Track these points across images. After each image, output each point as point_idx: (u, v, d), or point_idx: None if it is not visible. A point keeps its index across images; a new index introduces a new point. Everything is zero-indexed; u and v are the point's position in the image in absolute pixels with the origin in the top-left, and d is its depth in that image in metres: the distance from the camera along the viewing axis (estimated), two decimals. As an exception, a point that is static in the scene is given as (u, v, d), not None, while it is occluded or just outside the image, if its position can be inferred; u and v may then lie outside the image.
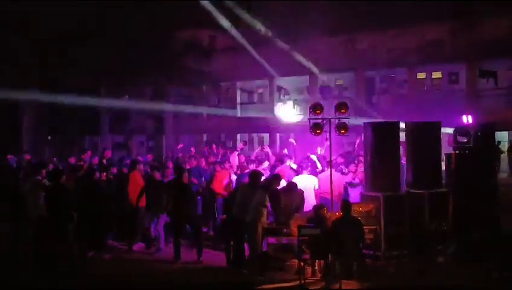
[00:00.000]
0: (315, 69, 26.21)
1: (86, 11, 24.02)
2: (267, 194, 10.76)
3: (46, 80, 25.33)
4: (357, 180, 12.80)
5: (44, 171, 12.16)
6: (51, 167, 13.76)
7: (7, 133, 26.42)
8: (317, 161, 14.25)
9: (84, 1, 23.62)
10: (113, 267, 11.37)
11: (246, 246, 10.87)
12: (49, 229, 10.98)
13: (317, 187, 12.60)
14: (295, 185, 11.80)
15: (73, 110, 27.01)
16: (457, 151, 11.86)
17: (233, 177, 13.56)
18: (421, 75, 28.95)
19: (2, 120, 26.26)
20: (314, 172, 13.40)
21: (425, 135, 11.75)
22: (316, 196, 12.51)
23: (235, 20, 24.55)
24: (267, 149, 16.98)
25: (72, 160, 16.43)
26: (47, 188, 11.36)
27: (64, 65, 24.79)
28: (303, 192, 11.78)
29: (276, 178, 11.66)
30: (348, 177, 12.99)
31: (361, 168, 12.81)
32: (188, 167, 14.50)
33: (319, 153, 15.21)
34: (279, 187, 11.46)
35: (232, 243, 11.17)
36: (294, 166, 13.82)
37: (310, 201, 12.00)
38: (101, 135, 31.51)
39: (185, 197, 11.77)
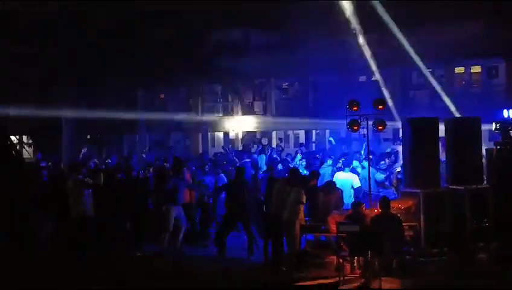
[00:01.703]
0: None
1: (120, 13, 24.26)
2: (303, 191, 10.73)
3: (83, 82, 25.70)
4: (387, 183, 12.74)
5: (84, 170, 12.39)
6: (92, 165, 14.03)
7: (47, 136, 26.92)
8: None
9: (119, 3, 23.83)
10: (148, 265, 11.46)
11: (284, 243, 10.88)
12: (89, 227, 11.22)
13: (355, 185, 12.50)
14: (334, 183, 11.76)
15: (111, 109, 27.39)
16: (498, 147, 11.65)
17: None
18: (460, 70, 28.40)
19: (43, 126, 26.72)
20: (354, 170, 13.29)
21: (465, 131, 11.57)
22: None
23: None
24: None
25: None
26: (90, 186, 11.55)
27: (101, 67, 25.11)
28: (342, 191, 11.73)
29: (314, 175, 11.64)
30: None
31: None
32: None
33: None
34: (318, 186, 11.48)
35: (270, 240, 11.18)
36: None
37: (348, 199, 11.97)
38: (138, 134, 31.79)
39: (243, 197, 11.81)
